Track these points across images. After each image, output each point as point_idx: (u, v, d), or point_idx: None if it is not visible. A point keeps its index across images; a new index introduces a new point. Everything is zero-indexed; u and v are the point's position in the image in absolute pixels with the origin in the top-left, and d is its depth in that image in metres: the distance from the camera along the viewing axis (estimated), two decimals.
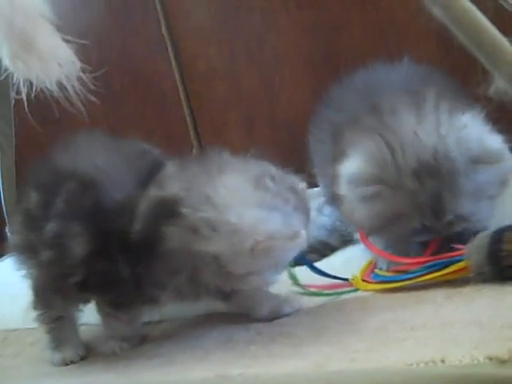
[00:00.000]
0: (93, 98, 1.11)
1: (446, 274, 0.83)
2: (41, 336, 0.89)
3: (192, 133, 1.44)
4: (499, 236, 0.79)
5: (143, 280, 0.77)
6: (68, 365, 0.83)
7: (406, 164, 0.84)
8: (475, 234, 0.83)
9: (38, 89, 1.09)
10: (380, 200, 0.86)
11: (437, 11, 0.63)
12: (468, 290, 0.78)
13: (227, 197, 0.75)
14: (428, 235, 0.87)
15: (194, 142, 1.44)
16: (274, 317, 0.82)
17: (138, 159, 0.83)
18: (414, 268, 0.86)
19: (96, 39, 1.43)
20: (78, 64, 1.11)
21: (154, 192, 0.77)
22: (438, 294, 0.79)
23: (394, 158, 0.85)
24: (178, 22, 1.40)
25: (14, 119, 1.25)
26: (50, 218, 0.79)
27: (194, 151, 1.43)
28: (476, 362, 0.57)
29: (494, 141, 0.86)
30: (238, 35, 1.38)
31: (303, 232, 0.75)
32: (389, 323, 0.73)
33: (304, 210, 0.80)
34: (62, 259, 0.78)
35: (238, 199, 0.75)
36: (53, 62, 1.09)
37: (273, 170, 0.79)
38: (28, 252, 0.84)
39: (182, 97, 1.42)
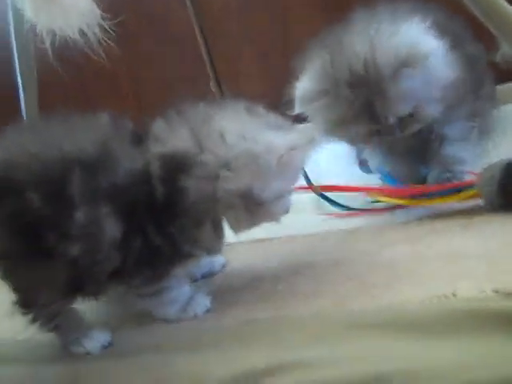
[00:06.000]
0: (112, 44, 1.16)
1: (458, 197, 0.90)
2: None
3: (209, 68, 1.47)
4: (511, 168, 0.85)
5: (176, 240, 0.73)
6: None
7: (341, 75, 0.92)
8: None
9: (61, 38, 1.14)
10: (328, 110, 0.94)
11: None
12: (478, 221, 0.84)
13: (236, 130, 0.73)
14: (384, 137, 0.95)
15: (211, 77, 1.47)
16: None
17: (121, 127, 0.77)
18: None
19: None
20: (98, 12, 1.15)
21: (157, 150, 0.73)
22: (450, 225, 0.85)
23: (334, 71, 0.93)
24: None
25: (38, 66, 1.28)
26: (70, 209, 0.70)
27: (212, 85, 1.48)
28: (484, 294, 0.63)
29: (425, 44, 0.89)
30: None
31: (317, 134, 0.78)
32: (403, 255, 0.79)
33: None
34: (96, 246, 0.71)
35: (245, 129, 0.73)
36: (74, 12, 1.12)
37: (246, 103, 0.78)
38: (13, 262, 0.74)
39: (198, 34, 1.45)
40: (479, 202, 0.88)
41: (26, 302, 0.77)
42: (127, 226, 0.72)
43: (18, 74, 1.27)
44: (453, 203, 0.91)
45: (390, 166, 1.05)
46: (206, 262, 0.90)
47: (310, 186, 0.99)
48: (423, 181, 1.03)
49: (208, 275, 0.92)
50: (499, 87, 1.16)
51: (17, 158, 0.73)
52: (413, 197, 0.93)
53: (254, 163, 0.71)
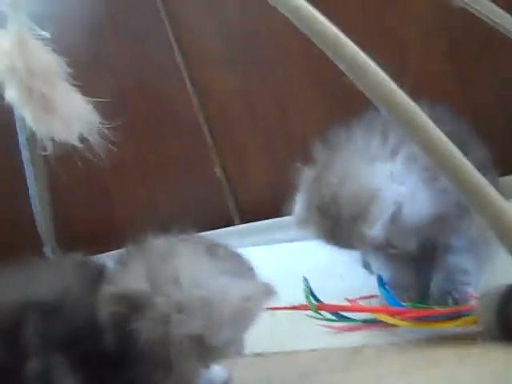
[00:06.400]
0: (113, 148, 1.16)
1: (458, 323, 0.88)
2: None
3: (213, 154, 1.48)
4: (510, 296, 0.83)
5: None
6: None
7: (313, 200, 0.96)
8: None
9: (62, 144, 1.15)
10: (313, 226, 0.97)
11: None
12: (476, 353, 0.82)
13: (192, 274, 0.73)
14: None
15: (216, 163, 1.48)
16: None
17: (79, 271, 0.78)
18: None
19: (111, 69, 1.48)
20: (97, 117, 1.16)
21: (108, 291, 0.72)
22: (448, 356, 0.84)
23: (309, 194, 0.97)
24: (191, 50, 1.43)
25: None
26: (25, 357, 0.69)
27: (217, 172, 1.49)
28: None
29: (394, 193, 0.90)
30: (250, 59, 1.40)
31: (274, 286, 0.76)
32: None
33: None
34: None
35: (202, 273, 0.73)
36: (73, 119, 1.13)
37: (209, 240, 0.80)
38: None
39: (201, 119, 1.46)
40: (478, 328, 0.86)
41: None
42: (86, 375, 0.70)
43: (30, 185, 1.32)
44: (453, 328, 0.89)
45: (391, 272, 1.04)
46: (203, 381, 0.84)
47: (305, 306, 0.98)
48: (425, 290, 1.02)
49: None
50: (503, 179, 1.14)
51: None
52: (414, 319, 0.91)
53: (207, 310, 0.70)
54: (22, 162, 1.34)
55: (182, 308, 0.70)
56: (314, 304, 0.97)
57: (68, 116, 1.13)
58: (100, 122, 1.16)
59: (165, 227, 0.82)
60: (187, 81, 1.44)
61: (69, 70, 1.14)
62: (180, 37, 1.43)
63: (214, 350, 0.72)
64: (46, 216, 1.40)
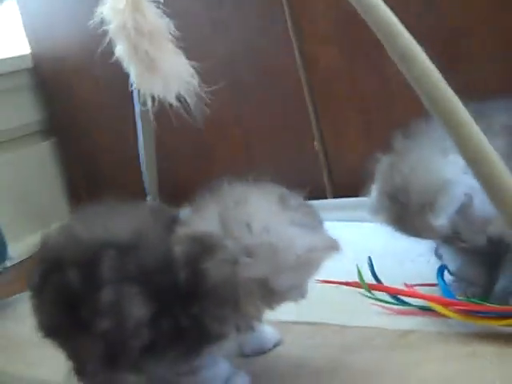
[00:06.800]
0: (209, 110, 1.22)
1: (507, 323, 0.87)
2: None
3: (314, 127, 1.51)
4: None
5: (201, 320, 0.76)
6: None
7: (384, 186, 0.96)
8: None
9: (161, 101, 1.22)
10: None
11: None
12: None
13: (262, 221, 0.76)
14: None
15: (316, 137, 1.51)
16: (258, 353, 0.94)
17: (156, 215, 0.85)
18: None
19: (224, 34, 1.54)
20: (197, 80, 1.22)
21: (182, 232, 0.78)
22: (489, 351, 0.84)
23: (382, 181, 0.97)
24: (304, 25, 1.46)
25: None
26: (100, 287, 0.77)
27: (316, 144, 1.51)
28: None
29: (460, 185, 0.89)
30: (358, 38, 1.41)
31: (339, 241, 0.79)
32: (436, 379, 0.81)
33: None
34: (123, 322, 0.76)
35: (273, 221, 0.76)
36: (173, 80, 1.20)
37: (283, 189, 0.82)
38: (62, 333, 0.83)
39: (306, 93, 1.49)
40: None
41: (77, 370, 0.85)
42: (156, 307, 0.77)
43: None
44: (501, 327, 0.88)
45: (460, 265, 1.02)
46: (257, 338, 0.94)
47: (358, 284, 1.00)
48: (491, 287, 1.00)
49: (259, 352, 0.95)
50: None
51: (65, 239, 0.84)
52: (466, 312, 0.90)
53: (273, 256, 0.74)
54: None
55: (249, 252, 0.74)
56: (366, 283, 0.98)
57: (168, 76, 1.20)
58: (199, 85, 1.23)
59: None
60: (296, 54, 1.47)
61: (178, 33, 1.21)
62: (294, 13, 1.46)
63: (278, 293, 0.76)
64: (150, 168, 1.49)
